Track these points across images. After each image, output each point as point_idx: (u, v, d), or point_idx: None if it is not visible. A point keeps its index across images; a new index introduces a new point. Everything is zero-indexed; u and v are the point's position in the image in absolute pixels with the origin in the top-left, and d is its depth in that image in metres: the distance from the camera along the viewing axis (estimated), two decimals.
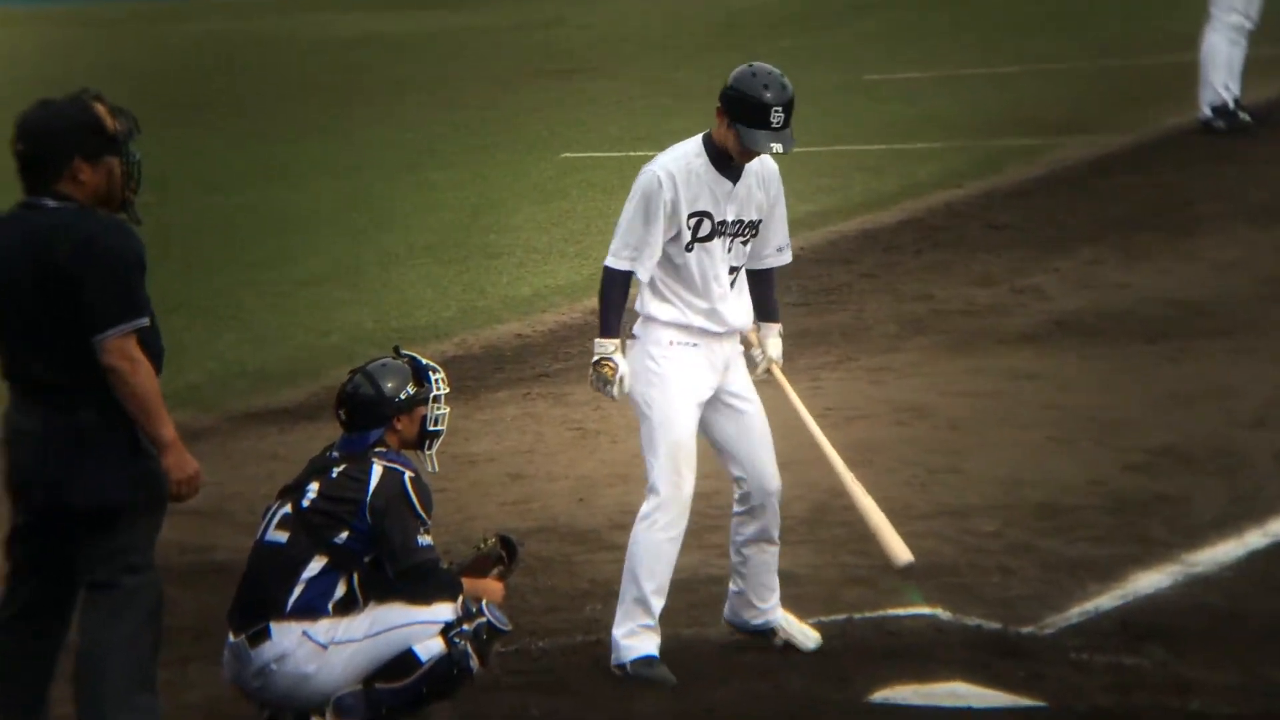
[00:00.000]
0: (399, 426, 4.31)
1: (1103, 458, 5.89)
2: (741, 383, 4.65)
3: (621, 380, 4.54)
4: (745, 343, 4.64)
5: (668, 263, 4.57)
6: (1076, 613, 4.86)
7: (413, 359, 4.37)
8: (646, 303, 4.61)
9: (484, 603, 4.26)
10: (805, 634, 4.68)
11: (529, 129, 11.73)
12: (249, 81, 14.02)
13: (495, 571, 4.41)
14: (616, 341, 4.55)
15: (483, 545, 4.43)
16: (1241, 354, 6.84)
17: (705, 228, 4.54)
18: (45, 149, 3.96)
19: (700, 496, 4.72)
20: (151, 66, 14.65)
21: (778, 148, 4.45)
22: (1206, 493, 5.55)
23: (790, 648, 4.66)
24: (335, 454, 4.32)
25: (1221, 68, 9.64)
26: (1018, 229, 8.71)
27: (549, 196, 10.13)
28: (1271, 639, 4.61)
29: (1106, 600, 4.92)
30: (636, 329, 4.64)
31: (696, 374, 4.58)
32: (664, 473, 4.58)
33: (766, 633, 4.68)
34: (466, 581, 4.32)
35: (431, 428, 4.33)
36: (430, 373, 4.35)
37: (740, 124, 4.45)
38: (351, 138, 11.91)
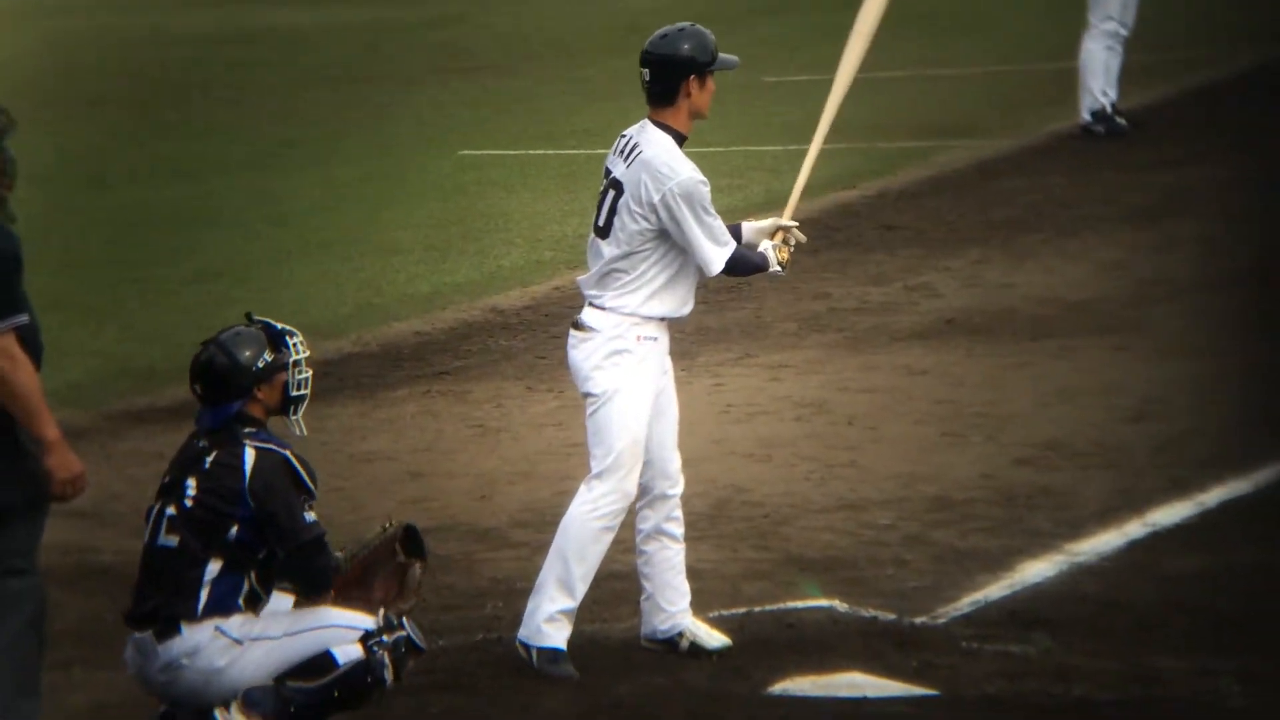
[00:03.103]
0: (260, 396, 4.21)
1: (992, 452, 6.04)
2: (669, 374, 4.69)
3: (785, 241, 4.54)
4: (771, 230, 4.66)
5: (675, 258, 4.55)
6: (967, 603, 4.99)
7: (266, 324, 4.26)
8: (627, 296, 4.54)
9: (405, 618, 4.24)
10: (711, 635, 4.71)
11: (429, 126, 11.63)
12: (142, 76, 13.67)
13: (397, 564, 4.36)
14: (761, 240, 4.53)
15: (387, 526, 4.38)
16: (1122, 351, 7.04)
17: None
18: None
19: None
20: (41, 61, 14.20)
21: (737, 57, 4.59)
22: (1089, 485, 5.71)
23: (696, 649, 4.68)
24: (202, 441, 4.23)
25: (1099, 74, 9.98)
26: (910, 229, 8.89)
27: (448, 194, 10.06)
28: (1149, 627, 4.76)
29: (995, 590, 5.05)
30: (594, 321, 4.57)
31: (657, 369, 4.61)
32: (618, 465, 4.56)
33: (674, 638, 4.69)
34: (338, 595, 4.25)
35: (294, 393, 4.23)
36: (287, 337, 4.25)
37: (717, 65, 4.51)
38: (246, 133, 11.68)
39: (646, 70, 4.55)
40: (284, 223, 9.62)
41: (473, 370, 7.34)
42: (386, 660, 4.16)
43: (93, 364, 7.38)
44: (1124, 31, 10.00)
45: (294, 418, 4.25)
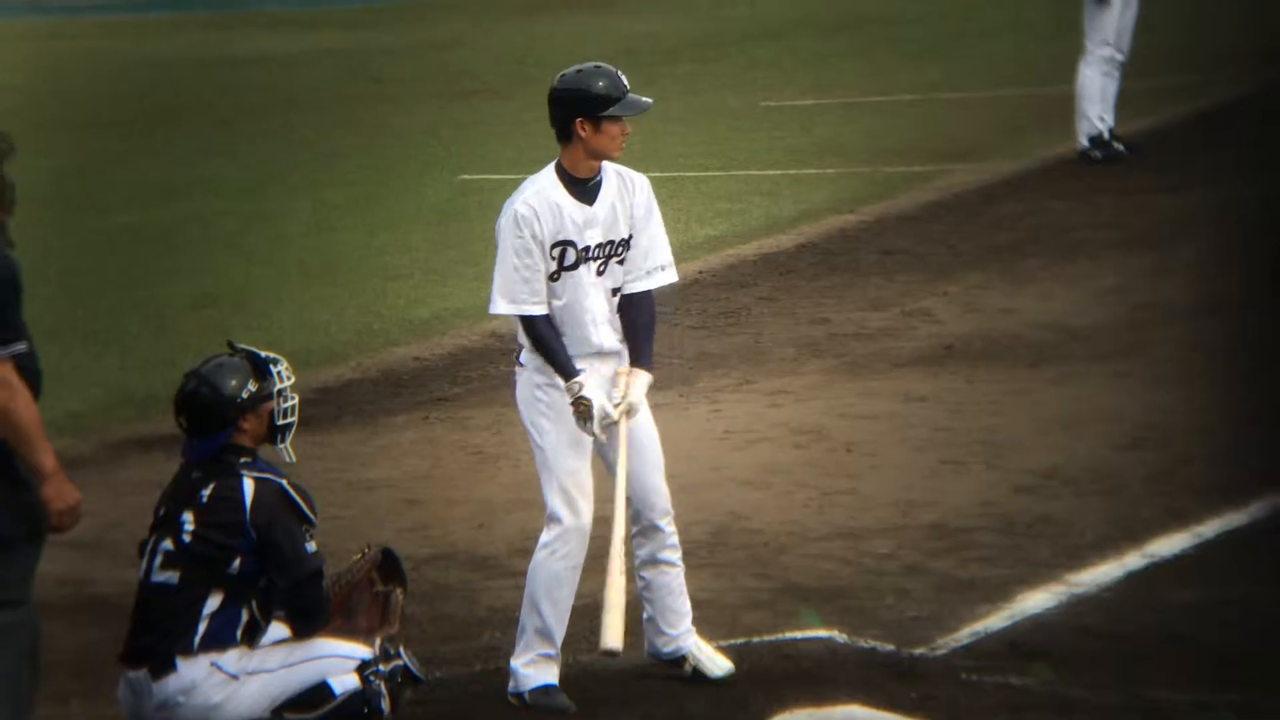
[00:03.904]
0: (246, 426, 4.20)
1: (992, 479, 6.03)
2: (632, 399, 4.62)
3: (597, 413, 4.44)
4: (613, 382, 4.56)
5: (556, 292, 4.52)
6: (967, 633, 4.98)
7: (250, 353, 4.25)
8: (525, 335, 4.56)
9: (402, 648, 4.23)
10: (715, 661, 4.70)
11: (426, 150, 11.66)
12: (137, 100, 13.72)
13: (377, 592, 4.32)
14: (579, 379, 4.47)
15: (365, 551, 4.37)
16: (1119, 378, 7.04)
17: (570, 256, 4.52)
18: None
19: (600, 520, 4.72)
20: (34, 84, 14.25)
21: (648, 99, 4.51)
22: (1088, 514, 5.71)
23: (699, 675, 4.67)
24: (196, 472, 4.21)
25: (1096, 100, 10.02)
26: (909, 254, 8.88)
27: (447, 218, 10.08)
28: (1147, 659, 4.75)
29: (995, 621, 5.04)
30: (522, 357, 4.59)
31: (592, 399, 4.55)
32: (561, 501, 4.56)
33: (678, 660, 4.68)
34: (335, 625, 4.23)
35: (281, 421, 4.22)
36: (271, 365, 4.23)
37: (612, 109, 4.46)
38: (244, 158, 11.71)
39: (549, 107, 4.54)
40: (282, 247, 9.62)
41: (472, 396, 7.32)
42: (383, 690, 4.15)
43: (92, 392, 7.36)
44: (1120, 57, 10.05)
45: (282, 445, 4.23)
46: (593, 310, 4.53)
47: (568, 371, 4.49)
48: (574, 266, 4.51)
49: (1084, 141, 10.10)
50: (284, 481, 4.17)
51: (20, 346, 3.90)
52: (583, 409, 4.47)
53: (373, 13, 18.00)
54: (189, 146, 12.08)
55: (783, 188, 10.13)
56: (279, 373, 4.24)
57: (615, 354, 4.59)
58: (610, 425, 4.49)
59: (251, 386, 4.21)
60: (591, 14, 16.47)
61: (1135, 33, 10.08)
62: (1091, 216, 9.29)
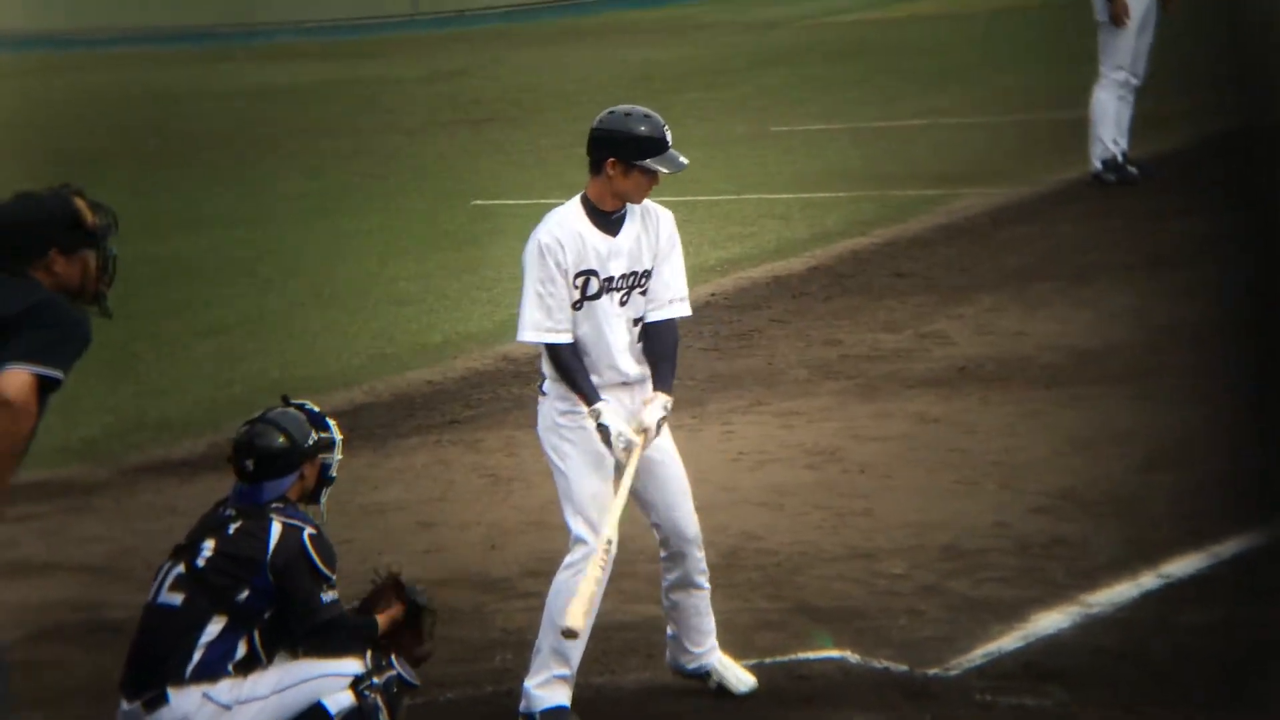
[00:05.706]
0: (306, 474, 4.26)
1: (1006, 500, 6.01)
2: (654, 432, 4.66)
3: (619, 436, 4.48)
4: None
5: (578, 321, 4.57)
6: (981, 654, 4.94)
7: (303, 406, 4.34)
8: (548, 363, 4.62)
9: (394, 656, 4.21)
10: (740, 678, 4.72)
11: (439, 177, 11.73)
12: (148, 133, 13.84)
13: (399, 616, 4.31)
14: (598, 406, 4.51)
15: (376, 578, 4.38)
16: (1134, 400, 7.03)
17: (593, 286, 4.56)
18: (22, 241, 4.02)
19: (625, 542, 4.70)
20: (47, 118, 14.40)
21: (685, 160, 4.53)
22: (1103, 535, 5.68)
23: (724, 691, 4.68)
24: (230, 511, 4.24)
25: (1110, 123, 10.02)
26: (921, 276, 8.88)
27: (460, 244, 10.12)
28: (1162, 680, 4.72)
29: (1009, 641, 5.01)
30: (545, 386, 4.64)
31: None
32: (584, 525, 4.59)
33: (702, 675, 4.71)
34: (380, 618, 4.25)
35: (331, 474, 4.31)
36: (326, 419, 4.34)
37: (648, 159, 4.49)
38: (255, 188, 11.80)
39: (589, 137, 4.60)
40: (294, 275, 9.67)
41: (485, 419, 7.33)
42: (380, 703, 4.13)
43: (107, 419, 7.39)
44: (1135, 81, 10.05)
45: (322, 501, 4.29)
46: (614, 340, 4.56)
47: (590, 398, 4.53)
48: (596, 296, 4.54)
49: (1097, 165, 10.08)
50: (307, 532, 4.19)
51: (57, 373, 3.91)
52: (603, 435, 4.50)
53: (384, 43, 18.17)
54: (203, 177, 12.17)
55: (794, 211, 10.15)
56: (334, 426, 4.34)
57: (639, 383, 4.62)
58: (631, 448, 4.50)
59: (315, 435, 4.28)
60: (601, 43, 16.59)
61: (1150, 57, 10.09)
62: (1104, 240, 9.28)
